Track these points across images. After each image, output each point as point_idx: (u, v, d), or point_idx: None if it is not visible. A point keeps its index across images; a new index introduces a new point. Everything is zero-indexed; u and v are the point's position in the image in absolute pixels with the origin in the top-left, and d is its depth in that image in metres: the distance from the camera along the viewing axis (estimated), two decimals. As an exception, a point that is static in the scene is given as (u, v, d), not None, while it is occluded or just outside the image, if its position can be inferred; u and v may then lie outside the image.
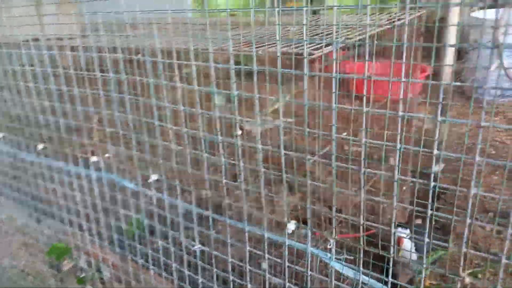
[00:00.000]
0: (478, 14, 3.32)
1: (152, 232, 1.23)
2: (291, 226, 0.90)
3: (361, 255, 0.81)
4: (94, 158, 1.27)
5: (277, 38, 0.79)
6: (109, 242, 1.40)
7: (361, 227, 0.76)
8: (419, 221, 1.75)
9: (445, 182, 2.04)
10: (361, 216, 0.76)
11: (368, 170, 0.74)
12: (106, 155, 1.23)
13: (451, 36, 1.85)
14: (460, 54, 2.72)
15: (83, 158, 1.31)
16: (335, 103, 0.71)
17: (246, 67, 0.81)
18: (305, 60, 0.75)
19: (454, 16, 1.84)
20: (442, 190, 1.99)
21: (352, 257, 0.88)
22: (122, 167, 1.22)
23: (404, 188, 2.04)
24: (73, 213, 1.47)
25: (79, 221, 1.47)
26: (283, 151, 0.84)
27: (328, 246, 0.85)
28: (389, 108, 0.82)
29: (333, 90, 0.71)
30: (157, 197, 1.16)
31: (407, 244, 1.35)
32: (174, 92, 0.95)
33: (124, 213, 1.29)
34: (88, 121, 1.22)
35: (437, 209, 1.92)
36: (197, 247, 1.11)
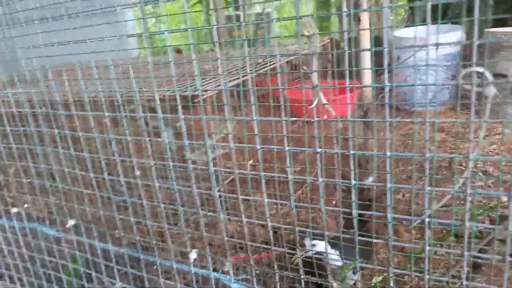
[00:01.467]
0: (400, 32, 3.58)
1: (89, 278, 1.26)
2: (193, 255, 0.97)
3: (253, 274, 0.89)
4: (14, 209, 1.30)
5: (196, 73, 0.87)
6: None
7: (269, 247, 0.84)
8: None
9: (375, 191, 2.17)
10: (254, 239, 0.85)
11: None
12: (25, 205, 1.27)
13: (366, 57, 2.02)
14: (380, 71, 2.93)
15: (4, 210, 1.33)
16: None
17: (132, 114, 0.89)
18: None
19: (366, 39, 2.02)
20: (370, 198, 2.11)
21: (249, 277, 0.96)
22: (41, 215, 1.26)
23: (333, 202, 2.16)
24: (2, 266, 1.48)
25: (10, 273, 1.48)
26: (175, 187, 0.92)
27: (225, 269, 0.93)
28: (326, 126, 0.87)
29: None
30: (80, 241, 1.21)
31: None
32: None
33: (59, 262, 1.31)
34: (4, 174, 1.26)
35: (366, 221, 2.02)
36: (119, 284, 1.15)
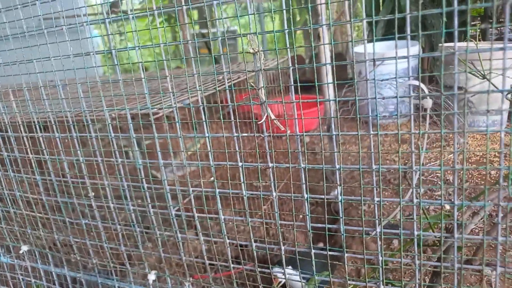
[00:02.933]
0: (360, 48, 3.68)
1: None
2: (152, 276, 0.94)
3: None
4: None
5: (146, 92, 0.85)
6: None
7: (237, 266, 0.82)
8: (321, 244, 1.85)
9: (344, 205, 2.19)
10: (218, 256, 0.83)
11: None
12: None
13: (328, 72, 2.06)
14: (348, 83, 2.99)
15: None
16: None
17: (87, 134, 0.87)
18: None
19: (326, 56, 2.06)
20: (337, 214, 2.14)
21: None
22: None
23: (301, 216, 2.17)
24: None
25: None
26: (130, 207, 0.90)
27: (184, 289, 0.91)
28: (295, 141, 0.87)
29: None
30: (34, 267, 1.15)
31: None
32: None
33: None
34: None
35: (336, 231, 2.03)
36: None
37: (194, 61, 0.73)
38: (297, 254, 0.79)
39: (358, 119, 0.61)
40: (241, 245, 1.77)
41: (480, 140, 2.62)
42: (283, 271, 1.28)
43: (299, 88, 0.67)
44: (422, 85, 0.56)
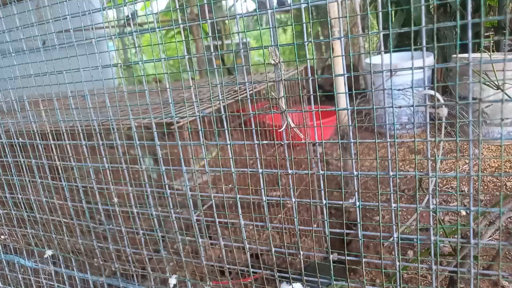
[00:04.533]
0: (373, 59, 3.71)
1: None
2: (173, 280, 0.97)
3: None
4: (-9, 242, 1.28)
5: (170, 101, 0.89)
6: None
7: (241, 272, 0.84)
8: (334, 256, 1.86)
9: (356, 213, 2.20)
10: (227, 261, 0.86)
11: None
12: (2, 236, 1.25)
13: (341, 83, 2.09)
14: (361, 94, 3.01)
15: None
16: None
17: (108, 142, 0.91)
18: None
19: (339, 66, 2.10)
20: (352, 222, 2.14)
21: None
22: (18, 246, 1.25)
23: (315, 225, 2.18)
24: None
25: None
26: (153, 212, 0.93)
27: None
28: (308, 150, 0.90)
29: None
30: (58, 271, 1.19)
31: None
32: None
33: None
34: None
35: (349, 242, 2.03)
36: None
37: (217, 72, 0.77)
38: (317, 265, 0.81)
39: (375, 127, 0.64)
40: (252, 255, 1.78)
41: (496, 151, 2.61)
42: (291, 287, 1.28)
43: (318, 98, 0.70)
44: (438, 95, 0.59)
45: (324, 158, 0.73)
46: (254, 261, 1.50)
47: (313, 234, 0.75)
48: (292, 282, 0.98)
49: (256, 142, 0.77)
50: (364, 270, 0.75)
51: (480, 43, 0.54)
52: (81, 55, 0.86)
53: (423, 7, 0.56)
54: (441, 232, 1.40)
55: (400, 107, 0.62)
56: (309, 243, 1.99)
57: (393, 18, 3.89)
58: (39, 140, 1.05)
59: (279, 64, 0.66)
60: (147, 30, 0.81)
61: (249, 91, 0.80)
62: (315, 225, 2.18)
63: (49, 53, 0.91)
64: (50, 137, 1.01)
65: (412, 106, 0.61)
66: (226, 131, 0.78)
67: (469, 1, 0.55)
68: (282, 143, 0.74)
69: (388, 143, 0.65)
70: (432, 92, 0.56)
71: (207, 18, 0.74)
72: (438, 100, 0.61)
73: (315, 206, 1.54)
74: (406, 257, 1.91)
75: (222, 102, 0.81)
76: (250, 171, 0.78)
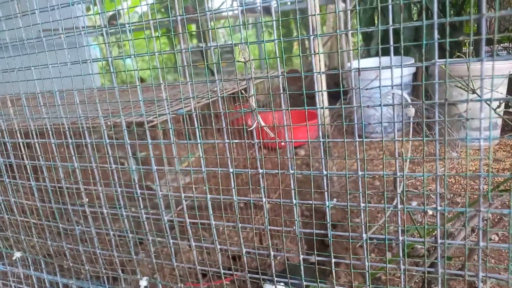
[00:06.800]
0: (355, 64, 3.74)
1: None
2: (143, 282, 0.95)
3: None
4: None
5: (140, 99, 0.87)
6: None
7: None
8: (313, 258, 1.86)
9: (337, 214, 2.21)
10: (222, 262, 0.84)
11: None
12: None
13: (321, 83, 2.09)
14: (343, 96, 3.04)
15: None
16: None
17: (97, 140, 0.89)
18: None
19: (321, 69, 2.10)
20: (333, 223, 2.14)
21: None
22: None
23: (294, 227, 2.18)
24: None
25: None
26: (124, 213, 0.91)
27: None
28: (292, 152, 0.90)
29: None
30: (27, 274, 1.16)
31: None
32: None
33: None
34: None
35: (328, 244, 2.03)
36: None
37: (188, 70, 0.76)
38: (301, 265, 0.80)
39: (345, 143, 0.64)
40: (233, 257, 1.77)
41: (473, 155, 2.65)
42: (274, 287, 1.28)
43: (288, 98, 0.69)
44: (405, 95, 0.59)
45: (301, 162, 0.72)
46: (235, 264, 1.48)
47: (283, 234, 0.74)
48: (275, 283, 0.98)
49: (227, 141, 0.76)
50: (333, 270, 0.75)
51: (453, 49, 0.54)
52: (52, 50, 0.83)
53: (390, 7, 0.57)
54: (416, 233, 1.41)
55: (368, 106, 0.62)
56: (289, 245, 1.99)
57: (375, 23, 3.94)
58: (7, 138, 1.03)
59: (249, 62, 0.66)
60: (121, 27, 0.79)
61: (223, 90, 0.79)
62: (293, 227, 2.18)
63: (23, 50, 0.88)
64: (18, 135, 0.98)
65: (380, 106, 0.61)
66: (197, 129, 0.77)
67: (435, 1, 0.56)
68: (253, 142, 0.73)
69: (357, 142, 0.65)
70: (399, 92, 0.56)
71: (178, 15, 0.73)
72: (406, 99, 0.61)
73: (292, 208, 1.54)
74: (383, 259, 1.92)
75: (194, 101, 0.80)
76: (220, 171, 0.77)
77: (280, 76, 0.66)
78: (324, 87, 2.09)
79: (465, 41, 2.90)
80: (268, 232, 0.77)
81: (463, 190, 2.25)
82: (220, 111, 0.73)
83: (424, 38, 0.55)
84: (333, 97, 3.49)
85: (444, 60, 0.57)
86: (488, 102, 0.57)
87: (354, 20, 4.30)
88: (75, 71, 0.85)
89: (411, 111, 0.60)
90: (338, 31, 0.60)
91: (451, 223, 1.10)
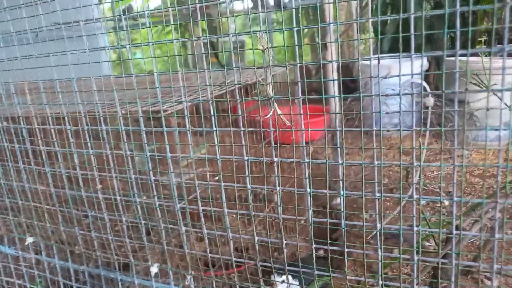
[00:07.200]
0: (366, 61, 3.72)
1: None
2: (154, 269, 0.96)
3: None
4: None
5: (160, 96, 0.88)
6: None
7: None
8: (321, 252, 1.86)
9: (346, 213, 2.20)
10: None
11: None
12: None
13: (331, 84, 2.08)
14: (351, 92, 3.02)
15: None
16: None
17: (93, 127, 0.90)
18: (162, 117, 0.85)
19: (333, 67, 2.09)
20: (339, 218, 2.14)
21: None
22: (-1, 233, 1.23)
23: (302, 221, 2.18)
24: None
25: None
26: (137, 200, 0.92)
27: (186, 283, 0.92)
28: (309, 140, 0.88)
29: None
30: (39, 259, 1.17)
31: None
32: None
33: (17, 283, 1.26)
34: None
35: (336, 239, 2.04)
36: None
37: (206, 63, 0.76)
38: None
39: (362, 132, 0.64)
40: (240, 249, 1.78)
41: (484, 154, 2.63)
42: (282, 279, 1.27)
43: (306, 100, 0.68)
44: (425, 83, 0.59)
45: (310, 159, 0.73)
46: (242, 257, 1.49)
47: (296, 223, 0.75)
48: (284, 274, 0.99)
49: (242, 129, 0.76)
50: (346, 260, 0.75)
51: (468, 45, 0.54)
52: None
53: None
54: (427, 231, 1.41)
55: (387, 113, 0.62)
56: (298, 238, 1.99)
57: (388, 21, 3.91)
58: (24, 124, 1.04)
59: (267, 50, 0.66)
60: (135, 20, 0.80)
61: (238, 82, 0.79)
62: (302, 221, 2.18)
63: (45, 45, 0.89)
64: (35, 121, 0.99)
65: (399, 95, 0.60)
66: (213, 117, 0.78)
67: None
68: (268, 130, 0.73)
69: (374, 132, 0.65)
70: (419, 81, 0.56)
71: (191, 3, 0.74)
72: (425, 89, 0.60)
73: (302, 201, 1.54)
74: (391, 255, 1.92)
75: (210, 90, 0.80)
76: (235, 158, 0.78)
77: (299, 65, 0.66)
78: (336, 83, 2.09)
79: (479, 38, 2.88)
80: (281, 221, 0.77)
81: (472, 189, 2.23)
82: (237, 99, 0.73)
83: (445, 28, 0.55)
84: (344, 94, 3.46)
85: (466, 50, 0.56)
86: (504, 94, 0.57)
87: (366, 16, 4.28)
88: (89, 61, 0.86)
89: (430, 100, 0.60)
90: (358, 19, 0.60)
91: (467, 214, 1.09)
